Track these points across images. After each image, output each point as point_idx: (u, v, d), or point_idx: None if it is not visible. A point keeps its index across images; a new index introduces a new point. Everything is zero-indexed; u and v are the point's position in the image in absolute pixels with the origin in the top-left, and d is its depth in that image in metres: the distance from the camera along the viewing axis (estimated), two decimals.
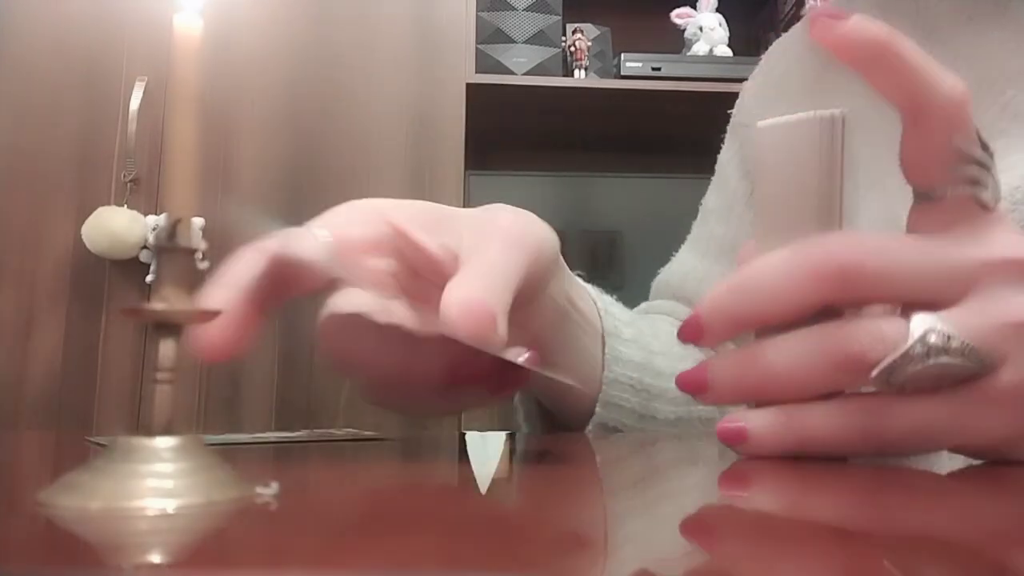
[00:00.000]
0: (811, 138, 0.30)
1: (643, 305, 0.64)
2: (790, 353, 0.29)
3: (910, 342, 0.26)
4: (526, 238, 0.33)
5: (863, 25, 0.29)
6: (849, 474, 0.27)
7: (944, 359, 0.26)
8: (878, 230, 0.44)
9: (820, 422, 0.28)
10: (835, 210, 0.30)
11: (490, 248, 0.32)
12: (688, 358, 0.54)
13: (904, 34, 0.55)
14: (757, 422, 0.29)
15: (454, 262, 0.31)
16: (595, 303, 0.46)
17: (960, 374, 0.27)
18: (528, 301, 0.34)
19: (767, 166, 0.32)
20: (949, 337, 0.26)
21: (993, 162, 0.29)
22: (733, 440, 0.30)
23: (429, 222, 0.34)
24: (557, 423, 0.49)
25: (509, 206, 0.35)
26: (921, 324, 0.27)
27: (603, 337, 0.46)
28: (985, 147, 0.29)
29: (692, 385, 0.31)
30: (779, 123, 0.31)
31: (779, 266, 0.29)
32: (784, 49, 0.66)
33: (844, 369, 0.28)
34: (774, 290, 0.29)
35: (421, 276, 0.33)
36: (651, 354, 0.49)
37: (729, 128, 0.68)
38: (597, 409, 0.45)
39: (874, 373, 0.27)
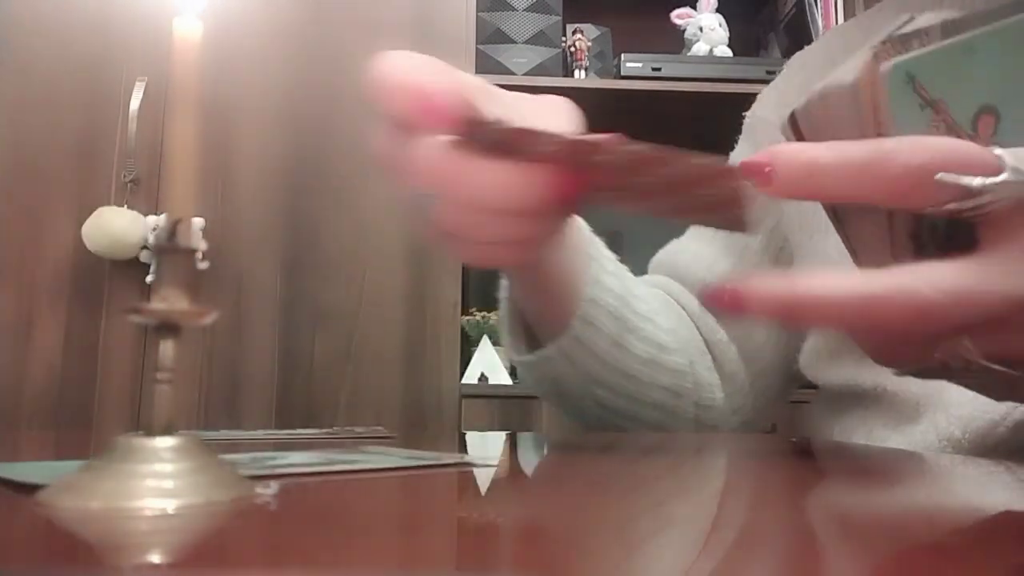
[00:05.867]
0: (849, 105, 0.29)
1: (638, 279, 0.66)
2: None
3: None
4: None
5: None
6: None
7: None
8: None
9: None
10: None
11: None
12: (670, 316, 0.56)
13: None
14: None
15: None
16: (583, 230, 0.50)
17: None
18: None
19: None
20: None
21: (1000, 165, 0.27)
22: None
23: (482, 95, 0.36)
24: (534, 338, 0.51)
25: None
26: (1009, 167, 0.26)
27: (588, 259, 0.49)
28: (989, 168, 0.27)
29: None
30: (812, 100, 0.30)
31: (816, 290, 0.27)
32: (804, 61, 0.66)
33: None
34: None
35: None
36: (631, 294, 0.52)
37: (744, 127, 0.68)
38: (573, 322, 0.48)
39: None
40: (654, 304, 0.57)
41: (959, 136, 0.29)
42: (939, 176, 0.27)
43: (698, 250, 0.63)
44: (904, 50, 0.29)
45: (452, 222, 0.34)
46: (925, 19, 0.29)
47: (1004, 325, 0.27)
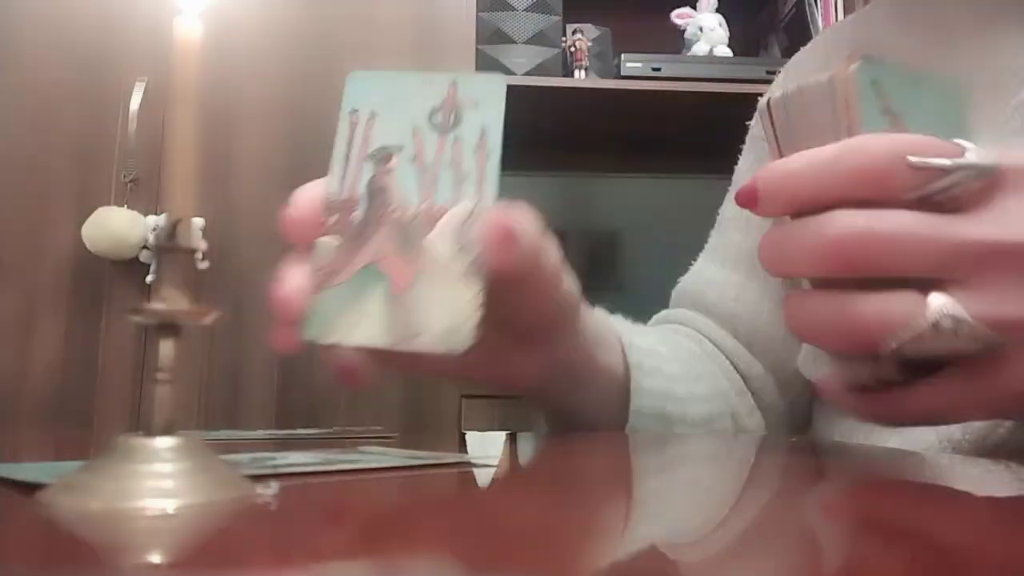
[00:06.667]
0: (824, 100, 0.30)
1: (662, 313, 0.65)
2: (809, 314, 0.30)
3: (924, 326, 0.27)
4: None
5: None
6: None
7: (953, 343, 0.27)
8: None
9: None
10: None
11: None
12: (703, 378, 0.56)
13: (925, 40, 0.55)
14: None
15: None
16: (620, 339, 0.49)
17: (966, 352, 0.28)
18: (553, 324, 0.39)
19: (789, 136, 0.32)
20: (961, 322, 0.27)
21: (962, 149, 0.29)
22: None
23: None
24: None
25: None
26: (936, 309, 0.27)
27: (628, 370, 0.49)
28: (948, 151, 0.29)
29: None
30: (790, 93, 0.32)
31: (795, 237, 0.30)
32: (802, 61, 0.66)
33: (852, 334, 0.29)
34: (793, 260, 0.30)
35: None
36: (671, 382, 0.52)
37: (748, 140, 0.67)
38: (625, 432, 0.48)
39: (884, 350, 0.28)
40: (693, 370, 0.56)
41: None
42: (912, 159, 0.28)
43: (724, 279, 0.62)
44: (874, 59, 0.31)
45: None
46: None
47: (988, 279, 0.28)
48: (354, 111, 0.33)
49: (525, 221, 0.33)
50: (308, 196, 0.33)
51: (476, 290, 0.31)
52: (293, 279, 0.31)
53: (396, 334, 0.30)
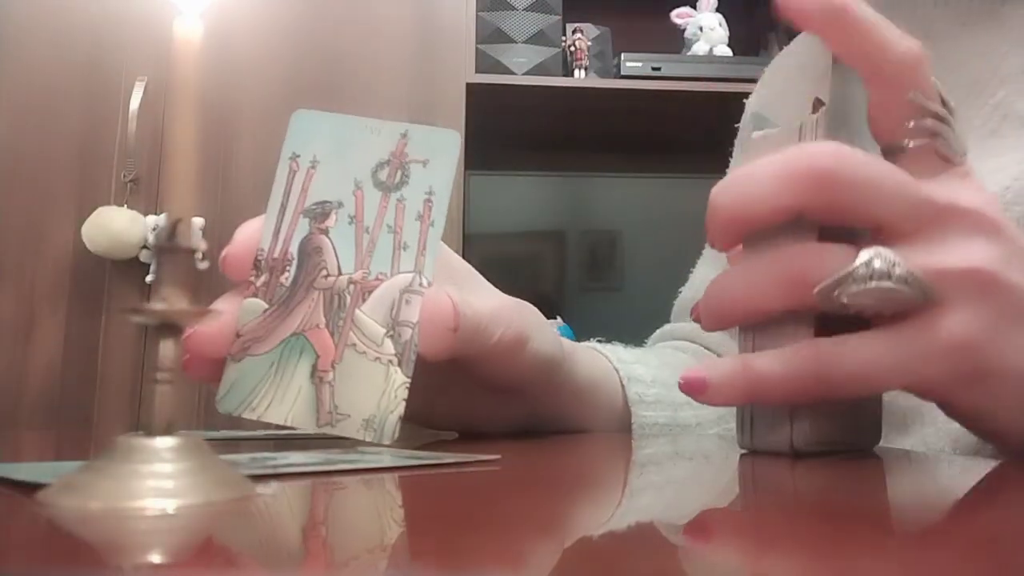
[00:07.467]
0: (789, 142, 0.31)
1: (666, 328, 0.65)
2: (745, 274, 0.30)
3: (856, 264, 0.27)
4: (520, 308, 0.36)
5: None
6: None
7: (887, 284, 0.27)
8: None
9: (774, 368, 0.29)
10: None
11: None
12: None
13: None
14: (716, 371, 0.30)
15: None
16: (617, 372, 0.49)
17: (901, 301, 0.28)
18: (541, 376, 0.38)
19: None
20: (894, 264, 0.27)
21: (953, 117, 0.30)
22: (695, 389, 0.31)
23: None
24: None
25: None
26: (868, 250, 0.28)
27: (628, 406, 0.49)
28: (945, 103, 0.30)
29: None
30: (769, 134, 0.33)
31: (766, 168, 0.30)
32: (785, 62, 0.66)
33: (789, 285, 0.29)
34: (759, 191, 0.30)
35: None
36: (676, 409, 0.51)
37: (736, 142, 0.68)
38: None
39: (816, 289, 0.28)
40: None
41: None
42: (912, 95, 0.30)
43: (709, 277, 0.62)
44: None
45: None
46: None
47: (932, 235, 0.29)
48: (295, 155, 0.32)
49: (466, 301, 0.31)
50: (248, 233, 0.31)
51: (405, 378, 0.29)
52: (211, 328, 0.30)
53: (320, 416, 0.28)
